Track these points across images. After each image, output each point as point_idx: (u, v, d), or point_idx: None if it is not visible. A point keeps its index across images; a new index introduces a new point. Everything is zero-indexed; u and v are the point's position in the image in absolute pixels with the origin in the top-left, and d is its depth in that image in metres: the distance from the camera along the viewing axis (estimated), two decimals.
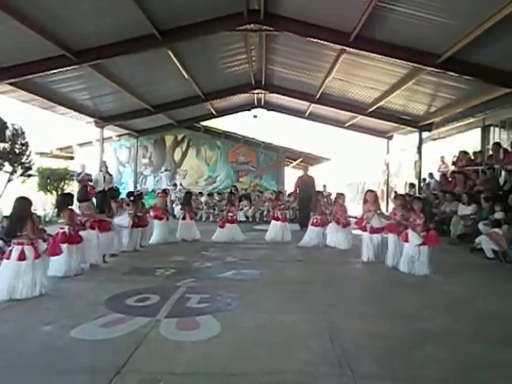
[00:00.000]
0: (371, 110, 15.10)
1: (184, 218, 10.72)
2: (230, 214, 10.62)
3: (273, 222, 10.90)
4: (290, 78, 14.38)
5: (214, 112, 18.33)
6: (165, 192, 11.41)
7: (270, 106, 19.02)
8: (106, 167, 15.55)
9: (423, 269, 6.63)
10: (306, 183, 13.36)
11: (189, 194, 11.74)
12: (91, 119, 15.20)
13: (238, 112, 19.79)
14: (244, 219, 15.77)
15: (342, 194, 10.28)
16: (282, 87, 15.69)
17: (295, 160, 21.79)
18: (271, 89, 15.95)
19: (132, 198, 9.26)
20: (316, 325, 4.42)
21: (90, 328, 4.22)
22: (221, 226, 10.54)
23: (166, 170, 20.34)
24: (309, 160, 21.93)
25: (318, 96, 15.14)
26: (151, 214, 10.10)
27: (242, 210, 16.36)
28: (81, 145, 19.34)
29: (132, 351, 3.64)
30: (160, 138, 20.28)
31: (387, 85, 12.64)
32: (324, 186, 18.60)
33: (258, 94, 16.84)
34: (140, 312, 4.69)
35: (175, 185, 18.77)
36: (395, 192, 7.90)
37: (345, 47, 9.94)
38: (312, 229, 9.94)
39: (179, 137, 20.32)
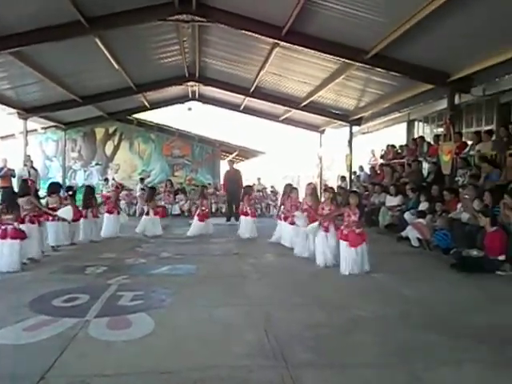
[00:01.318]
0: (304, 104, 15.37)
1: (148, 214, 10.65)
2: (203, 208, 10.68)
3: (242, 217, 10.50)
4: (224, 70, 14.28)
5: (147, 104, 17.82)
6: (117, 187, 11.41)
7: (204, 99, 18.80)
8: (31, 162, 14.72)
9: (365, 266, 6.29)
10: (232, 177, 13.61)
11: (152, 189, 11.73)
12: (13, 110, 14.27)
13: (172, 104, 19.39)
14: (179, 213, 15.60)
15: (295, 188, 9.44)
16: (216, 80, 15.55)
17: (231, 153, 21.72)
18: (205, 81, 15.75)
19: (71, 193, 9.25)
20: (251, 317, 4.44)
21: (12, 332, 3.96)
22: (200, 220, 10.51)
23: (96, 164, 19.55)
24: (244, 153, 21.98)
25: (252, 89, 15.16)
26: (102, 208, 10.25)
27: (177, 203, 16.17)
28: (2, 138, 18.12)
29: (58, 354, 3.46)
30: (90, 131, 19.43)
31: (319, 79, 12.90)
32: (258, 179, 18.80)
33: (192, 86, 16.57)
34: (67, 313, 4.48)
35: (107, 179, 18.08)
36: (325, 185, 7.83)
37: (278, 41, 10.00)
38: (244, 219, 10.10)
39: (110, 129, 19.59)
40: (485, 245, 6.62)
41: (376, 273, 6.30)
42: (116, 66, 11.82)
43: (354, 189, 11.59)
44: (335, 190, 8.70)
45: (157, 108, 19.02)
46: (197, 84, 16.09)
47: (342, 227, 6.45)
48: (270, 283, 5.90)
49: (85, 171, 19.49)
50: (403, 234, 9.22)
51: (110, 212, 10.24)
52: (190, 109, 18.90)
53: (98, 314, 4.47)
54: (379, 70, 10.14)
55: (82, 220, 9.21)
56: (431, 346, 3.71)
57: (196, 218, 10.63)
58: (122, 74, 12.79)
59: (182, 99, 18.59)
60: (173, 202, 16.17)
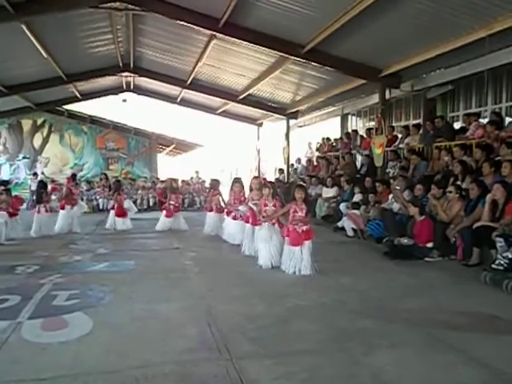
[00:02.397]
0: (242, 97, 15.41)
1: (113, 208, 10.47)
2: (172, 203, 10.38)
3: (208, 213, 9.98)
4: (160, 61, 13.98)
5: (78, 95, 17.08)
6: (68, 179, 10.97)
7: (139, 91, 18.30)
8: None
9: (307, 268, 5.84)
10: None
11: (118, 182, 11.34)
12: None
13: (105, 95, 18.66)
14: None
15: (238, 181, 8.83)
16: (151, 71, 15.19)
17: (168, 146, 21.41)
18: (140, 72, 15.35)
19: (4, 187, 9.06)
20: (193, 311, 4.42)
21: None
22: (167, 216, 10.19)
23: (24, 158, 18.55)
24: (182, 146, 21.74)
25: (189, 81, 14.98)
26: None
27: (111, 199, 15.63)
28: None
29: None
30: (16, 123, 18.39)
31: (256, 72, 12.99)
32: (196, 173, 18.63)
33: (126, 77, 16.09)
34: None
35: (35, 174, 17.19)
36: (264, 179, 7.58)
37: (215, 33, 9.93)
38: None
39: (39, 121, 18.64)
40: (414, 233, 6.99)
41: (314, 262, 6.40)
42: (44, 54, 11.22)
43: (300, 182, 11.21)
44: (275, 184, 8.50)
45: (89, 99, 18.28)
46: (131, 75, 15.67)
47: (288, 224, 6.00)
48: (211, 277, 5.89)
49: (11, 165, 18.43)
50: (339, 224, 9.54)
51: (62, 207, 9.87)
52: (124, 100, 18.33)
53: (32, 315, 4.26)
54: (314, 64, 10.37)
55: (35, 215, 9.26)
56: (368, 331, 3.88)
57: (164, 212, 10.33)
58: (51, 62, 12.17)
59: (115, 90, 17.99)
60: (108, 196, 15.63)
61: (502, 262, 5.14)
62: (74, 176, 11.70)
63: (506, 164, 6.78)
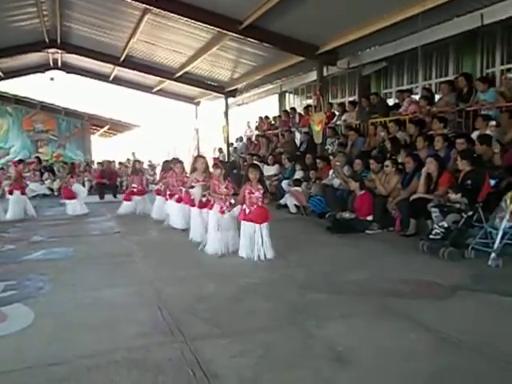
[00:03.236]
0: (178, 74, 15.05)
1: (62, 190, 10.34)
2: (134, 185, 10.01)
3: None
4: (90, 37, 13.28)
5: (0, 73, 15.90)
6: (17, 162, 10.46)
7: (68, 68, 17.35)
8: None
9: (270, 250, 5.54)
10: None
11: (72, 164, 11.09)
12: None
13: (30, 74, 17.58)
14: (48, 193, 14.37)
15: (180, 162, 8.47)
16: (81, 47, 14.42)
17: (102, 127, 20.55)
18: (69, 48, 14.52)
19: None
20: (142, 296, 4.29)
21: None
22: (126, 199, 9.86)
23: None
24: (117, 127, 20.95)
25: (122, 58, 14.38)
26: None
27: (43, 183, 14.85)
28: None
29: None
30: None
31: (193, 49, 12.69)
32: (133, 154, 18.08)
33: (53, 53, 15.16)
34: None
35: None
36: (215, 159, 7.38)
37: (149, 6, 9.53)
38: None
39: None
40: (355, 207, 7.20)
41: None
42: None
43: (254, 162, 10.23)
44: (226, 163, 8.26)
45: (12, 77, 17.13)
46: (59, 51, 14.77)
47: (244, 206, 5.59)
48: (157, 260, 5.75)
49: None
50: (281, 201, 9.65)
51: (10, 192, 9.53)
52: (52, 79, 17.31)
53: None
54: (253, 41, 10.26)
55: None
56: (318, 304, 3.95)
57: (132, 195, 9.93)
58: None
59: (41, 68, 16.97)
60: (39, 180, 14.82)
61: (438, 232, 5.40)
62: (20, 160, 11.14)
63: (439, 138, 7.10)
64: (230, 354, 3.05)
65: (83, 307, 4.01)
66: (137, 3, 9.51)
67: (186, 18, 9.68)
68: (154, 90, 18.36)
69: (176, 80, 15.56)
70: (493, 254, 4.91)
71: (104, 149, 22.12)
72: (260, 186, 5.63)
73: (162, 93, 18.69)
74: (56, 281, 4.80)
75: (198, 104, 19.30)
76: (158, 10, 9.68)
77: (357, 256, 5.68)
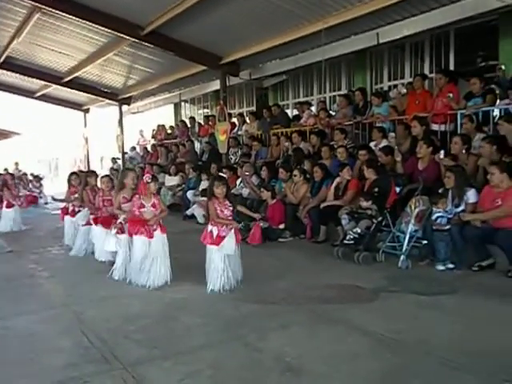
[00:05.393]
0: (67, 79, 14.06)
1: None
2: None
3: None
4: None
5: None
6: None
7: None
8: None
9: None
10: None
11: None
12: None
13: None
14: None
15: (93, 172, 7.15)
16: None
17: None
18: None
19: None
20: (59, 321, 3.89)
21: None
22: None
23: None
24: None
25: (1, 60, 13.04)
26: None
27: None
28: None
29: None
30: None
31: (85, 53, 11.99)
32: (16, 164, 16.54)
33: None
34: None
35: None
36: (146, 172, 6.03)
37: (40, 5, 8.77)
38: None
39: None
40: (268, 216, 7.30)
41: (176, 253, 6.17)
42: None
43: (220, 173, 7.77)
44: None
45: None
46: None
47: (210, 227, 4.64)
48: (65, 280, 5.26)
49: None
50: (188, 212, 9.46)
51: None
52: None
53: None
54: (153, 47, 9.98)
55: None
56: (255, 316, 3.91)
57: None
58: None
59: None
60: None
61: (351, 237, 5.68)
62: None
63: (342, 149, 7.50)
64: (178, 376, 2.88)
65: None
66: (27, 0, 8.70)
67: (82, 20, 9.08)
68: (37, 94, 16.96)
69: (64, 85, 14.53)
70: (402, 257, 5.29)
71: None
72: (227, 203, 4.70)
73: (46, 98, 17.34)
74: None
75: (87, 111, 18.20)
76: (49, 10, 8.96)
77: (277, 264, 5.75)
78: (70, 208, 6.93)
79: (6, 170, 15.75)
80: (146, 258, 4.78)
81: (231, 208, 4.74)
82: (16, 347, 3.37)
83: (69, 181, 7.15)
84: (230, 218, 4.73)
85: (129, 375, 2.89)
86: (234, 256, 4.67)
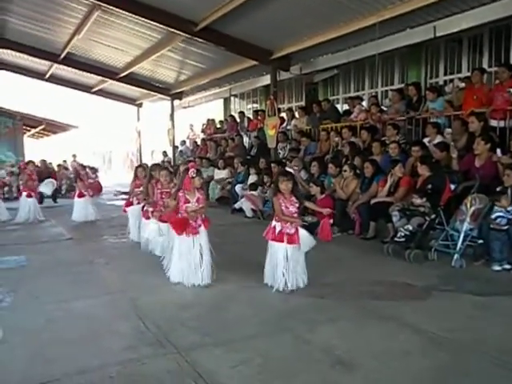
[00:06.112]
0: (123, 75, 14.53)
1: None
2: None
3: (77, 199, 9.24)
4: (28, 32, 12.46)
5: None
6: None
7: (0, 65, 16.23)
8: None
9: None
10: None
11: None
12: None
13: None
14: None
15: (166, 169, 6.48)
16: (16, 42, 13.50)
17: (36, 127, 19.38)
18: (3, 44, 13.55)
19: None
20: (117, 306, 4.08)
21: None
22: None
23: None
24: (52, 127, 19.84)
25: (62, 56, 13.66)
26: None
27: None
28: None
29: None
30: None
31: (141, 49, 12.32)
32: (74, 156, 17.29)
33: None
34: None
35: None
36: (192, 165, 5.20)
37: (99, 2, 9.12)
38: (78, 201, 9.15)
39: None
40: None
41: (224, 245, 6.21)
42: None
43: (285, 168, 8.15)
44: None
45: None
46: None
47: (274, 223, 4.51)
48: (122, 267, 5.49)
49: None
50: (236, 206, 9.58)
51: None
52: None
53: None
54: (206, 43, 10.14)
55: None
56: (303, 308, 3.94)
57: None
58: None
59: None
60: None
61: (403, 234, 5.59)
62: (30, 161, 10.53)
63: (394, 145, 7.37)
64: (230, 363, 2.96)
65: (56, 320, 3.73)
66: None
67: (138, 17, 9.36)
68: (94, 89, 17.64)
69: (119, 80, 15.03)
70: (456, 255, 5.16)
71: (38, 150, 20.93)
72: (294, 199, 4.49)
73: (102, 93, 17.99)
74: (17, 292, 4.43)
75: (140, 106, 18.75)
76: (107, 7, 9.29)
77: (325, 259, 5.71)
78: (135, 201, 6.83)
79: (75, 161, 16.57)
80: (195, 256, 4.62)
81: (297, 204, 4.51)
82: (77, 328, 3.57)
83: (135, 173, 7.09)
84: (296, 214, 4.52)
85: (182, 359, 3.00)
86: (297, 254, 4.45)
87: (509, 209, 5.02)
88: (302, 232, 4.51)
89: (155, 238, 5.56)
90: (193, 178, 4.63)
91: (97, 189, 9.16)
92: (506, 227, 4.94)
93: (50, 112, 21.04)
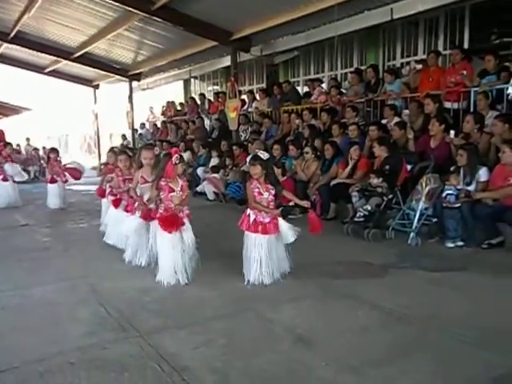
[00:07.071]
0: (77, 55, 14.02)
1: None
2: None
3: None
4: None
5: None
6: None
7: None
8: None
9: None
10: None
11: None
12: None
13: None
14: None
15: (126, 153, 5.84)
16: None
17: None
18: None
19: None
20: (76, 292, 4.00)
21: None
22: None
23: None
24: (4, 110, 19.00)
25: (12, 34, 13.02)
26: None
27: None
28: None
29: None
30: None
31: (96, 28, 11.90)
32: (27, 140, 16.66)
33: None
34: None
35: None
36: (175, 151, 4.67)
37: None
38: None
39: None
40: None
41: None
42: None
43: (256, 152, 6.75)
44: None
45: None
46: None
47: (248, 211, 4.23)
48: (80, 253, 5.37)
49: None
50: (198, 189, 9.52)
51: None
52: None
53: None
54: (164, 23, 9.90)
55: None
56: (266, 289, 3.98)
57: None
58: None
59: None
60: None
61: (362, 214, 5.73)
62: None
63: (354, 126, 7.48)
64: (193, 345, 2.98)
65: (12, 308, 3.65)
66: None
67: None
68: (47, 70, 16.95)
69: (74, 60, 14.50)
70: (412, 234, 5.34)
71: None
72: (270, 186, 4.21)
73: (56, 74, 17.30)
74: None
75: (96, 87, 18.17)
76: None
77: None
78: (108, 190, 5.97)
79: (28, 144, 15.87)
80: (183, 255, 4.24)
81: (273, 191, 4.20)
82: (35, 315, 3.49)
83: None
84: (272, 202, 4.21)
85: (145, 343, 2.99)
86: (276, 245, 4.21)
87: (458, 187, 5.23)
88: (282, 223, 4.23)
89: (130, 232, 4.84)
90: (176, 164, 4.13)
91: (77, 173, 8.52)
92: (457, 205, 5.13)
93: (1, 94, 20.09)
